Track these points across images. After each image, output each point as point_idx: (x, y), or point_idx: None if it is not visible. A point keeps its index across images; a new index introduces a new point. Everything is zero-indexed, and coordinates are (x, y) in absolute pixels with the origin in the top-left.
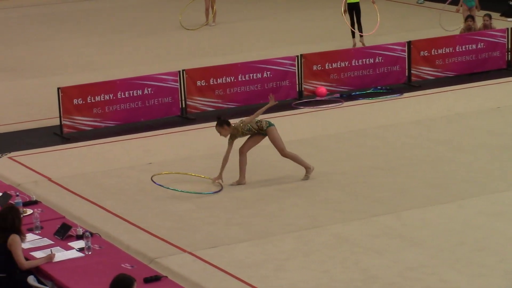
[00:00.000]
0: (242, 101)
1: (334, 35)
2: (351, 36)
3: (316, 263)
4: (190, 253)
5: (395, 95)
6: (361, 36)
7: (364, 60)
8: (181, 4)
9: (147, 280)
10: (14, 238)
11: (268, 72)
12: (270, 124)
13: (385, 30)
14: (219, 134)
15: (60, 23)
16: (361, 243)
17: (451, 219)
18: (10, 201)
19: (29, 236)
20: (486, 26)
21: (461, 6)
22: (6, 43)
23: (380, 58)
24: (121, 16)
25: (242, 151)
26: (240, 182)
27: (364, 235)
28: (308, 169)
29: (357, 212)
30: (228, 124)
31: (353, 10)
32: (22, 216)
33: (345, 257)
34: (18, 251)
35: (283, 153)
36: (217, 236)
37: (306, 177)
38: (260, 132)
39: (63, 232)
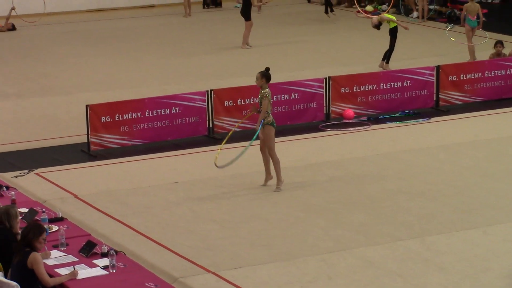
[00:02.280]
0: None
1: (362, 58)
2: (381, 59)
3: (341, 286)
4: (213, 273)
5: (423, 119)
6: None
7: (392, 83)
8: (207, 24)
9: None
10: (35, 256)
11: (296, 94)
12: (273, 124)
13: (414, 54)
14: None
15: (90, 41)
16: (386, 267)
17: (476, 245)
18: (36, 218)
19: (54, 253)
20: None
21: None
22: (36, 60)
23: (408, 82)
24: (151, 35)
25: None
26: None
27: (388, 259)
28: (279, 181)
29: (382, 236)
30: (268, 79)
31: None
32: (47, 232)
33: (369, 281)
34: (41, 269)
35: (271, 152)
36: (241, 256)
37: (278, 189)
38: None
39: (88, 250)
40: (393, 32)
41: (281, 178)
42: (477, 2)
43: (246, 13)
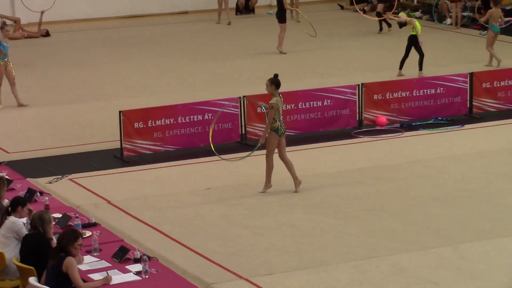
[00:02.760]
0: (302, 128)
1: (395, 64)
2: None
3: None
4: (246, 279)
5: (456, 126)
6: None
7: (425, 90)
8: (240, 30)
9: None
10: (70, 261)
11: (329, 101)
12: (277, 131)
13: (447, 61)
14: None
15: (124, 48)
16: (419, 274)
17: (510, 253)
18: (70, 223)
19: (87, 258)
20: None
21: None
22: (71, 66)
23: (441, 89)
24: (184, 42)
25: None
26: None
27: (421, 266)
28: (268, 183)
29: (415, 243)
30: (278, 86)
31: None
32: (81, 237)
33: None
34: (75, 274)
35: (268, 157)
36: (273, 263)
37: (263, 191)
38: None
39: (121, 255)
40: (414, 40)
41: (270, 183)
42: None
43: (280, 16)
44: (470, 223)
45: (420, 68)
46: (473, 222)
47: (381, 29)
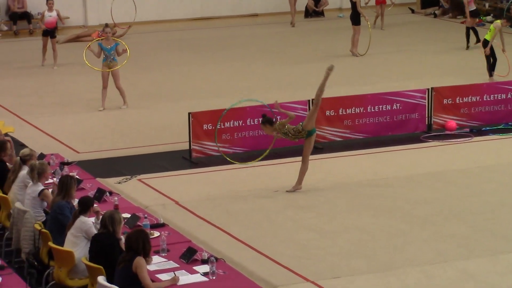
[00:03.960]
0: (371, 132)
1: (466, 69)
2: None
3: None
4: (313, 282)
5: None
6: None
7: (495, 95)
8: (310, 33)
9: None
10: (139, 261)
11: (398, 104)
12: (311, 132)
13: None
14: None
15: (194, 49)
16: (487, 280)
17: None
18: (138, 223)
19: (155, 259)
20: None
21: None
22: (142, 67)
23: None
24: (254, 44)
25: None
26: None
27: (490, 272)
28: (298, 185)
29: (484, 249)
30: (271, 123)
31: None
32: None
33: None
34: (144, 273)
35: (304, 159)
36: (340, 266)
37: (292, 190)
38: (298, 136)
39: (189, 256)
40: (487, 44)
41: (301, 185)
42: None
43: (354, 18)
44: None
45: (490, 73)
46: None
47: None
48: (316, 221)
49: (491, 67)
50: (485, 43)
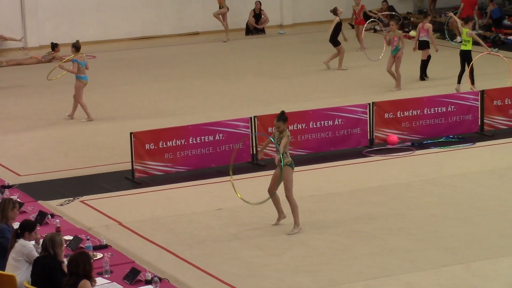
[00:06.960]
0: (313, 148)
1: (407, 83)
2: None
3: None
4: None
5: (467, 144)
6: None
7: (436, 108)
8: (251, 50)
9: None
10: (84, 284)
11: (340, 120)
12: (291, 165)
13: (457, 79)
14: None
15: (135, 69)
16: None
17: None
18: (81, 245)
19: (99, 280)
20: None
21: None
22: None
23: (452, 107)
24: (195, 62)
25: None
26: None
27: (433, 285)
28: (296, 226)
29: (427, 262)
30: (286, 120)
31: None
32: (92, 260)
33: None
34: None
35: (288, 195)
36: (286, 283)
37: (292, 232)
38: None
39: (133, 277)
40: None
41: (299, 223)
42: None
43: (333, 40)
44: (483, 241)
45: (459, 81)
46: (486, 240)
47: (422, 78)
48: (260, 238)
49: (471, 76)
50: (466, 53)
